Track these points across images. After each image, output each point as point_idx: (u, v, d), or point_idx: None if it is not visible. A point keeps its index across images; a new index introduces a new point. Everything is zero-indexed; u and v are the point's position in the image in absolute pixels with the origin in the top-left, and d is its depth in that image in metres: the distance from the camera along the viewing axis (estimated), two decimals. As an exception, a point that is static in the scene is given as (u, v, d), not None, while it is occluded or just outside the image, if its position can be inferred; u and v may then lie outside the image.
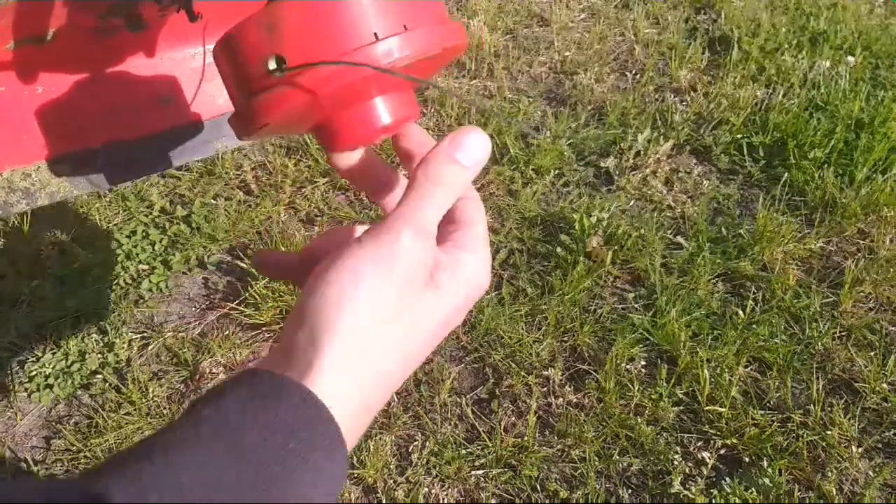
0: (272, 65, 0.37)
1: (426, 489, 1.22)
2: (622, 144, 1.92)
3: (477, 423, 1.32)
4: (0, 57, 0.59)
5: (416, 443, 1.28)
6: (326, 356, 0.32)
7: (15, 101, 0.62)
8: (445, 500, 1.22)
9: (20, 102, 0.62)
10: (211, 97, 0.73)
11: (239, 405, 0.30)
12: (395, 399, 1.36)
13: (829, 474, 1.23)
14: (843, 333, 1.48)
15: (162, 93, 0.70)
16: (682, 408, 1.35)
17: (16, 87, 0.62)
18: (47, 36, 0.59)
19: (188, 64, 0.71)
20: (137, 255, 1.60)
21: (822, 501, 1.21)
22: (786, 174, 1.84)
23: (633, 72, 2.30)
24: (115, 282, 1.56)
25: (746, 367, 1.41)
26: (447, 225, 0.40)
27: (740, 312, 1.49)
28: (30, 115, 0.63)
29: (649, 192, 1.82)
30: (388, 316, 0.34)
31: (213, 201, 1.75)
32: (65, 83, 0.64)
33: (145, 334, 1.48)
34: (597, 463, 1.26)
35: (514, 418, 1.33)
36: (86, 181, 0.68)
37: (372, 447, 1.25)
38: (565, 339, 1.47)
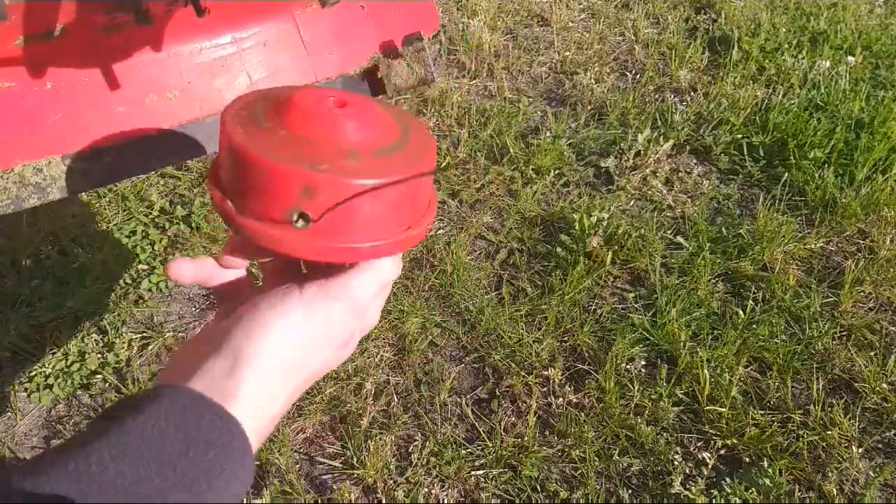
0: (295, 217, 0.43)
1: (426, 489, 1.22)
2: (622, 144, 1.92)
3: (477, 423, 1.32)
4: (10, 53, 0.59)
5: (416, 443, 1.28)
6: (242, 387, 0.39)
7: (25, 96, 0.62)
8: (445, 501, 1.22)
9: (30, 98, 0.62)
10: (218, 91, 0.73)
11: (163, 418, 0.35)
12: (396, 399, 1.36)
13: (830, 474, 1.23)
14: (843, 333, 1.48)
15: (169, 87, 0.70)
16: (682, 408, 1.35)
17: (26, 82, 0.62)
18: (55, 32, 0.59)
19: (195, 59, 0.71)
20: (137, 255, 1.60)
21: (822, 502, 1.21)
22: (786, 174, 1.84)
23: (633, 72, 2.30)
24: (115, 282, 1.56)
25: (746, 367, 1.41)
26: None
27: (740, 312, 1.49)
28: (40, 111, 0.64)
29: (649, 192, 1.82)
30: (299, 362, 0.42)
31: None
32: (74, 79, 0.65)
33: (145, 334, 1.48)
34: (597, 463, 1.26)
35: (514, 418, 1.33)
36: (96, 175, 0.68)
37: (372, 447, 1.25)
38: (565, 339, 1.47)
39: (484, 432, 1.31)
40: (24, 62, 0.60)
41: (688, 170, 1.91)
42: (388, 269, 0.48)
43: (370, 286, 0.46)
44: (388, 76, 0.77)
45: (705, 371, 1.36)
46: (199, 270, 0.48)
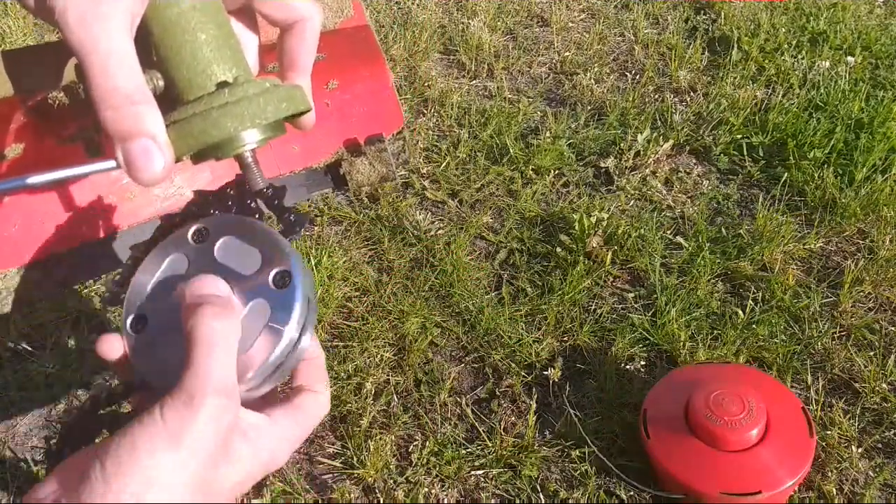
0: None
1: (426, 489, 1.22)
2: (622, 144, 1.92)
3: (477, 423, 1.32)
4: None
5: (416, 443, 1.28)
6: None
7: None
8: (445, 501, 1.22)
9: None
10: (179, 188, 0.70)
11: None
12: (396, 399, 1.36)
13: (830, 474, 1.23)
14: (842, 333, 1.48)
15: (129, 189, 0.68)
16: (681, 408, 1.35)
17: None
18: (8, 153, 0.58)
19: None
20: (137, 255, 1.60)
21: (822, 501, 1.21)
22: (785, 174, 1.84)
23: (633, 72, 2.31)
24: (115, 282, 1.56)
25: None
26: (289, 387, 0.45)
27: (740, 312, 1.49)
28: None
29: (649, 192, 1.82)
30: (180, 491, 0.36)
31: (213, 201, 1.75)
32: (31, 192, 0.62)
33: (145, 334, 1.48)
34: (597, 463, 1.26)
35: (513, 418, 1.33)
36: (52, 283, 0.67)
37: (372, 447, 1.25)
38: (565, 338, 1.47)
39: (484, 432, 1.31)
40: None
41: (687, 170, 1.91)
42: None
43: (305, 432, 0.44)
44: (351, 173, 0.78)
45: (705, 371, 1.35)
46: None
